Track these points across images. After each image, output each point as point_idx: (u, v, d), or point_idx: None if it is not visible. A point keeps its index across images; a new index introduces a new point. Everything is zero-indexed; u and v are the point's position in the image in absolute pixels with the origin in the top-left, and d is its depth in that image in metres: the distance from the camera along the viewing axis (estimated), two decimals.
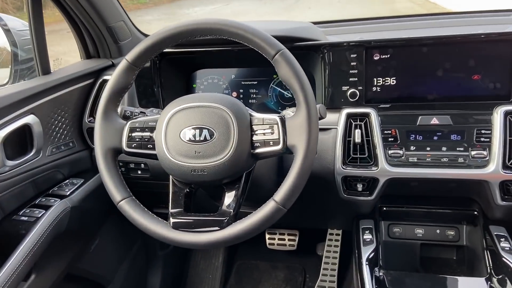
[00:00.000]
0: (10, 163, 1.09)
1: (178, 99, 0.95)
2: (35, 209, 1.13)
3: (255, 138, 0.90)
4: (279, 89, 1.36)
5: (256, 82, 1.38)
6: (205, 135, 0.89)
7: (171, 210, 0.94)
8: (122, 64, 0.95)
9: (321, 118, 0.95)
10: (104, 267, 1.42)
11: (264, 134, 0.90)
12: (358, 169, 1.11)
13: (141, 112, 1.10)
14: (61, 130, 1.26)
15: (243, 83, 1.39)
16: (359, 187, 1.13)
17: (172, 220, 0.92)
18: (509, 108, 1.04)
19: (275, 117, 0.90)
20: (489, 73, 1.05)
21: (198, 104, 0.91)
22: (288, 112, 0.99)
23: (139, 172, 1.31)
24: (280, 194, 0.86)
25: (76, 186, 1.23)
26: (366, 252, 1.11)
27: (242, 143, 0.88)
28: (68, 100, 1.29)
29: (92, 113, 1.34)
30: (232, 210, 0.91)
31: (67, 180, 1.27)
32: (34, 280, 1.06)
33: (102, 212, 1.34)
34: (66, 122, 1.28)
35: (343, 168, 1.12)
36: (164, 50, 1.30)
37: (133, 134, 0.96)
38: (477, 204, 1.18)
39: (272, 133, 0.90)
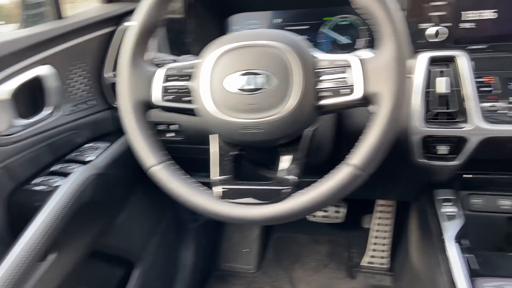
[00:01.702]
0: (22, 122, 0.93)
1: (221, 38, 0.75)
2: (52, 176, 0.96)
3: (321, 85, 0.70)
4: (332, 34, 1.13)
5: (305, 27, 1.15)
6: (259, 83, 0.69)
7: (215, 178, 0.75)
8: None
9: None
10: (133, 242, 1.26)
11: (333, 80, 0.69)
12: (442, 127, 0.89)
13: (173, 60, 0.90)
14: (81, 85, 1.08)
15: (289, 28, 1.16)
16: (443, 149, 0.91)
17: (217, 189, 0.73)
18: None
19: (348, 57, 0.69)
20: None
21: (248, 43, 0.71)
22: (365, 53, 0.77)
23: (172, 134, 1.12)
24: (358, 155, 0.66)
25: (101, 151, 1.06)
26: (452, 228, 0.90)
27: (306, 92, 0.68)
28: (86, 50, 1.10)
29: (113, 67, 1.15)
30: (293, 178, 0.72)
31: (89, 144, 1.10)
32: (53, 260, 0.90)
33: (130, 180, 1.17)
34: (86, 76, 1.09)
35: (424, 127, 0.90)
36: None
37: (169, 84, 0.77)
38: None
39: (345, 79, 0.69)
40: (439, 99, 0.89)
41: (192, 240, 1.56)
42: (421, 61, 0.91)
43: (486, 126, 0.86)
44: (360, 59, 0.69)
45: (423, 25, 0.92)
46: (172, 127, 1.11)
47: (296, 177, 0.73)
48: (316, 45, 1.15)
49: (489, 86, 0.87)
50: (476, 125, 0.86)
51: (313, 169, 0.78)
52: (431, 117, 0.90)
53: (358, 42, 1.13)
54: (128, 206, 1.20)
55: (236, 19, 1.19)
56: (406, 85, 0.67)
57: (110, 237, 1.15)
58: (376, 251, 1.61)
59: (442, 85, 0.88)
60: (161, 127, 1.12)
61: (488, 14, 0.87)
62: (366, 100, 0.70)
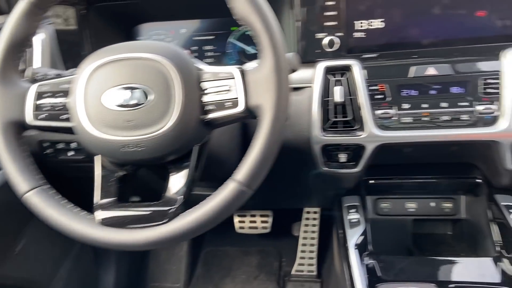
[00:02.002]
0: None
1: (100, 51, 0.70)
2: None
3: (206, 99, 0.68)
4: (239, 44, 1.12)
5: (212, 37, 1.13)
6: (137, 98, 0.65)
7: (98, 201, 0.70)
8: (21, 4, 0.70)
9: (293, 70, 0.73)
10: (38, 270, 1.17)
11: (218, 93, 0.68)
12: (340, 135, 0.90)
13: (57, 74, 0.84)
14: None
15: (196, 38, 1.13)
16: (342, 157, 0.92)
17: (99, 213, 0.68)
18: None
19: (232, 69, 0.67)
20: (496, 7, 0.85)
21: (125, 56, 0.68)
22: (252, 64, 0.76)
23: (72, 153, 1.05)
24: (242, 171, 0.64)
25: None
26: (354, 236, 0.91)
27: (188, 106, 0.66)
28: None
29: None
30: (180, 197, 0.69)
31: None
32: None
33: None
34: None
35: (322, 136, 0.90)
36: None
37: (42, 102, 0.71)
38: (479, 171, 1.00)
39: (229, 91, 0.67)
40: (336, 107, 0.90)
41: (113, 261, 1.48)
42: (319, 70, 0.91)
43: (380, 133, 0.87)
44: (241, 71, 0.67)
45: (319, 35, 0.92)
46: (72, 145, 1.04)
47: (182, 196, 0.69)
48: (225, 55, 1.13)
49: (382, 94, 0.89)
50: (370, 132, 0.87)
51: (221, 182, 0.75)
52: (329, 126, 0.91)
53: None
54: (28, 232, 1.10)
55: (142, 29, 1.15)
56: (288, 97, 0.66)
57: (8, 267, 1.05)
58: (304, 259, 1.60)
59: (337, 94, 0.88)
60: (60, 146, 1.04)
61: (377, 23, 0.89)
62: (251, 113, 0.68)
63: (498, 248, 0.90)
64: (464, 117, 0.86)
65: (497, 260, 0.88)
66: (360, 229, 0.93)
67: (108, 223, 0.67)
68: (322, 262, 1.58)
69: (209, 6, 0.73)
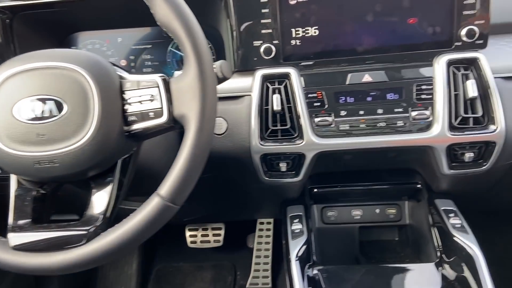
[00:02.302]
0: None
1: (12, 59, 0.66)
2: None
3: (128, 109, 0.64)
4: (180, 52, 1.09)
5: (150, 46, 1.09)
6: (50, 109, 0.61)
7: (11, 223, 0.65)
8: None
9: (224, 78, 0.70)
10: None
11: (141, 102, 0.64)
12: (279, 144, 0.88)
13: None
14: None
15: (134, 47, 1.09)
16: (283, 166, 0.90)
17: (11, 236, 0.63)
18: (451, 57, 0.85)
19: (155, 77, 0.64)
20: (427, 14, 0.86)
21: (39, 64, 0.63)
22: (178, 72, 0.73)
23: None
24: (166, 186, 0.61)
25: None
26: (296, 247, 0.89)
27: (108, 117, 0.62)
28: None
29: None
30: (101, 215, 0.64)
31: None
32: None
33: None
34: None
35: (261, 144, 0.88)
36: (18, 3, 0.97)
37: None
38: (420, 176, 1.00)
39: (152, 101, 0.63)
40: (275, 116, 0.88)
41: (56, 284, 1.39)
42: (256, 79, 0.89)
43: (318, 140, 0.86)
44: (165, 80, 0.64)
45: (256, 43, 0.90)
46: None
47: (103, 214, 0.65)
48: (165, 64, 1.10)
49: (320, 101, 0.88)
50: (308, 140, 0.86)
51: None
52: (269, 135, 0.89)
53: None
54: None
55: (76, 38, 1.09)
56: (214, 105, 0.63)
57: None
58: (259, 271, 1.57)
59: (276, 102, 0.87)
60: None
61: (312, 31, 0.88)
62: (177, 123, 0.65)
63: (439, 254, 0.90)
64: (400, 123, 0.86)
65: (438, 265, 0.88)
66: (302, 240, 0.90)
67: (20, 248, 0.62)
68: (277, 274, 1.55)
69: (144, 14, 0.70)
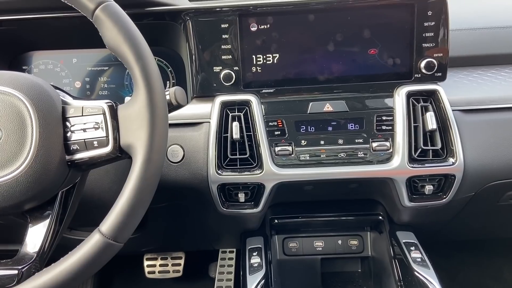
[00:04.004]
0: None
1: None
2: None
3: (71, 137, 0.59)
4: None
5: (107, 68, 1.04)
6: None
7: None
8: None
9: (178, 106, 0.67)
10: None
11: (84, 130, 0.60)
12: (237, 173, 0.84)
13: None
14: None
15: (90, 69, 1.04)
16: (241, 197, 0.86)
17: None
18: (411, 89, 0.86)
19: (101, 104, 0.60)
20: (387, 46, 0.86)
21: None
22: (127, 99, 0.69)
23: None
24: (108, 222, 0.56)
25: None
26: (253, 283, 0.84)
27: (47, 145, 0.57)
28: None
29: None
30: (36, 253, 0.58)
31: None
32: None
33: None
34: None
35: (219, 174, 0.84)
36: None
37: None
38: (382, 207, 0.99)
39: (97, 129, 0.59)
40: (233, 144, 0.85)
41: None
42: (215, 105, 0.86)
43: (278, 170, 0.83)
44: (111, 106, 0.60)
45: (217, 68, 0.88)
46: None
47: (39, 251, 0.59)
48: (122, 88, 1.05)
49: (280, 130, 0.86)
50: (268, 170, 0.83)
51: None
52: (227, 164, 0.85)
53: (168, 84, 1.05)
54: None
55: (28, 58, 1.04)
56: (164, 135, 0.59)
57: None
58: None
59: (235, 130, 0.84)
60: None
61: (273, 58, 0.87)
62: (123, 153, 0.61)
63: (400, 287, 0.88)
64: (361, 154, 0.85)
65: None
66: (260, 274, 0.86)
67: None
68: None
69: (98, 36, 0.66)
